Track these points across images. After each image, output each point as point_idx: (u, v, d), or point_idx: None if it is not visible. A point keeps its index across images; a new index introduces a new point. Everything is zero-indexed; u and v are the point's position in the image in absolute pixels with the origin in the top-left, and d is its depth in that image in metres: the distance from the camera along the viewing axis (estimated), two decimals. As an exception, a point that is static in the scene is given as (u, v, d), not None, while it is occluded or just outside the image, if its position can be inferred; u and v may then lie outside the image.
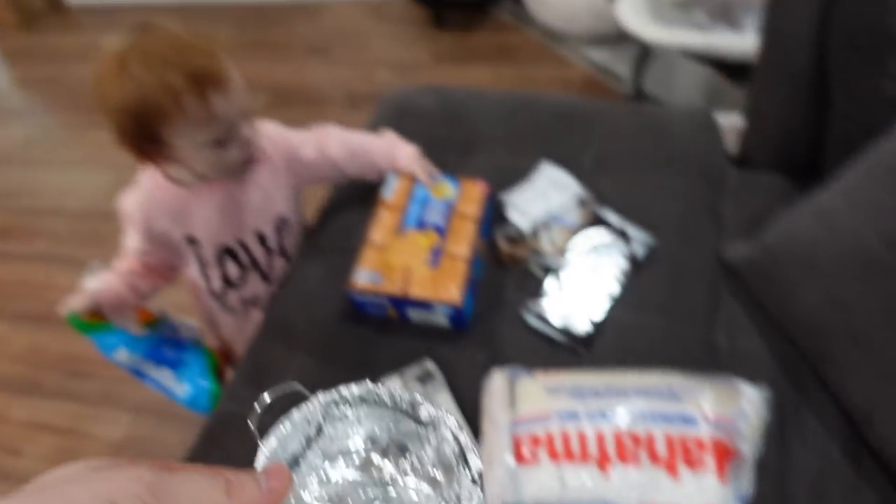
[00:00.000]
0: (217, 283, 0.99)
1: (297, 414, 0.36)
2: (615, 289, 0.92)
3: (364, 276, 0.89)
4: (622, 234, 0.97)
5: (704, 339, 0.89)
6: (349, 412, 0.37)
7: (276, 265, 1.03)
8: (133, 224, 0.95)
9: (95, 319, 0.95)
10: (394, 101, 1.25)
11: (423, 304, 0.87)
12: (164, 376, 1.03)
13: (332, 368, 0.89)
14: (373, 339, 0.91)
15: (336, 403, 0.37)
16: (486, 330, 0.91)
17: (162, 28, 0.83)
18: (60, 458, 1.49)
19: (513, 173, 1.05)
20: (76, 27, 2.85)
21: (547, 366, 0.80)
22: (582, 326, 0.89)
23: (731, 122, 1.28)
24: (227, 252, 0.97)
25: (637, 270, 0.95)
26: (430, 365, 0.86)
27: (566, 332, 0.88)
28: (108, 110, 0.80)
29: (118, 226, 1.91)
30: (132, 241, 0.95)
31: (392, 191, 0.98)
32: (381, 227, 0.94)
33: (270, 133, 0.98)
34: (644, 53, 2.13)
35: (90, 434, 1.53)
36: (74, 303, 0.94)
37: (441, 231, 0.92)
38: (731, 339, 0.89)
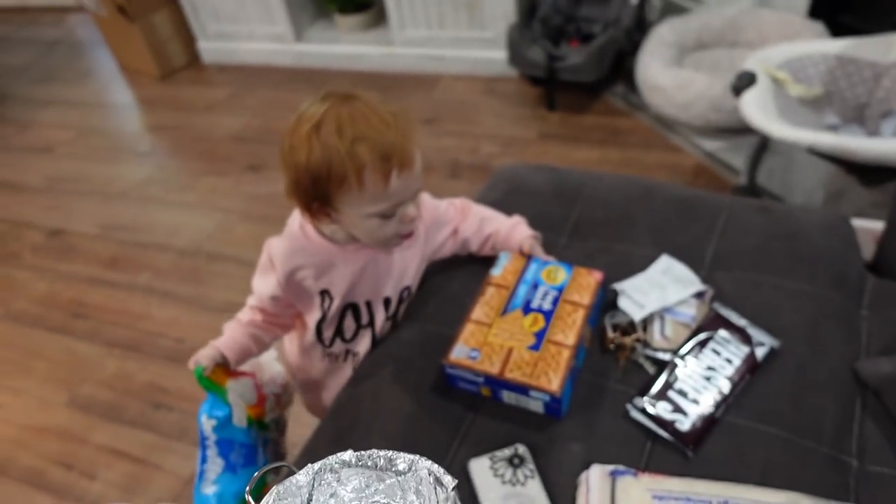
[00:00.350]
0: (329, 332, 0.98)
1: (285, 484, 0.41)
2: (730, 390, 0.83)
3: (462, 352, 0.85)
4: (742, 333, 0.88)
5: (832, 459, 0.78)
6: (333, 478, 0.41)
7: (384, 331, 1.02)
8: (274, 269, 0.93)
9: (218, 379, 0.94)
10: (506, 175, 1.24)
11: (520, 388, 0.82)
12: (213, 467, 0.97)
13: (416, 438, 0.83)
14: (462, 414, 0.86)
15: (323, 470, 0.41)
16: (584, 420, 0.83)
17: (361, 98, 0.84)
18: (131, 486, 1.51)
19: (626, 261, 1.00)
20: (208, 82, 3.08)
21: (649, 465, 0.72)
22: (691, 425, 0.80)
23: (865, 226, 1.17)
24: (352, 308, 0.97)
25: (756, 374, 0.85)
26: (522, 449, 0.79)
27: (673, 430, 0.80)
28: (289, 165, 0.83)
29: (218, 267, 1.97)
30: (267, 285, 0.94)
31: (502, 269, 0.96)
32: (486, 305, 0.91)
33: (424, 203, 0.97)
34: (761, 146, 2.04)
35: (162, 466, 1.53)
36: (202, 356, 0.94)
37: (548, 316, 0.89)
38: (863, 463, 0.78)
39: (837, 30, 2.14)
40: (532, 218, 1.02)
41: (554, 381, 0.81)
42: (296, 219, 0.94)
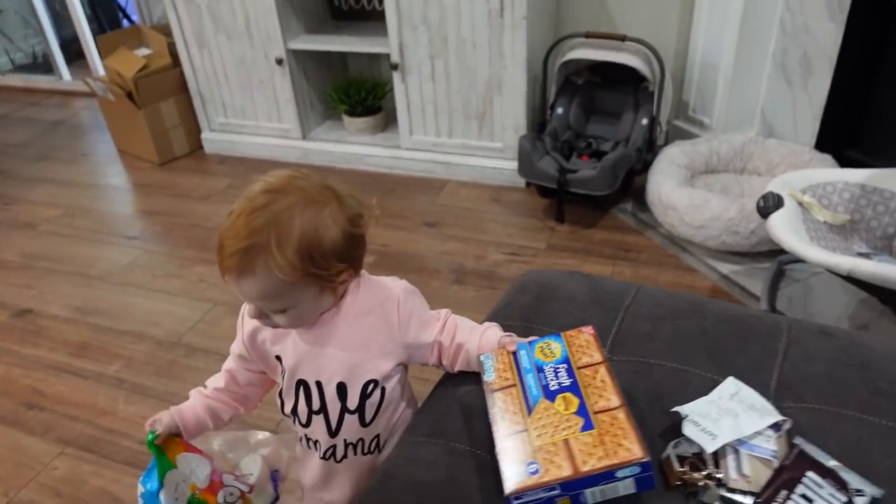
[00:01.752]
0: (289, 406, 0.93)
1: None
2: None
3: (518, 474, 0.70)
4: (834, 478, 0.74)
5: None
6: None
7: (350, 427, 0.91)
8: (242, 327, 0.93)
9: (169, 450, 0.88)
10: (535, 279, 1.13)
11: (605, 476, 0.69)
12: None
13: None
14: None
15: None
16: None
17: (271, 197, 0.78)
18: None
19: (682, 381, 0.88)
20: (208, 172, 3.03)
21: None
22: None
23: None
24: (303, 386, 0.90)
25: (856, 531, 0.71)
26: None
27: None
28: None
29: (198, 362, 1.80)
30: (236, 344, 0.94)
31: (494, 371, 0.84)
32: (505, 413, 0.78)
33: (396, 297, 0.89)
34: (778, 273, 1.99)
35: None
36: (160, 421, 0.90)
37: (575, 390, 0.78)
38: None
39: (843, 163, 2.17)
40: (568, 328, 0.91)
41: (634, 448, 0.70)
42: None
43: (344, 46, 2.74)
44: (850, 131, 2.30)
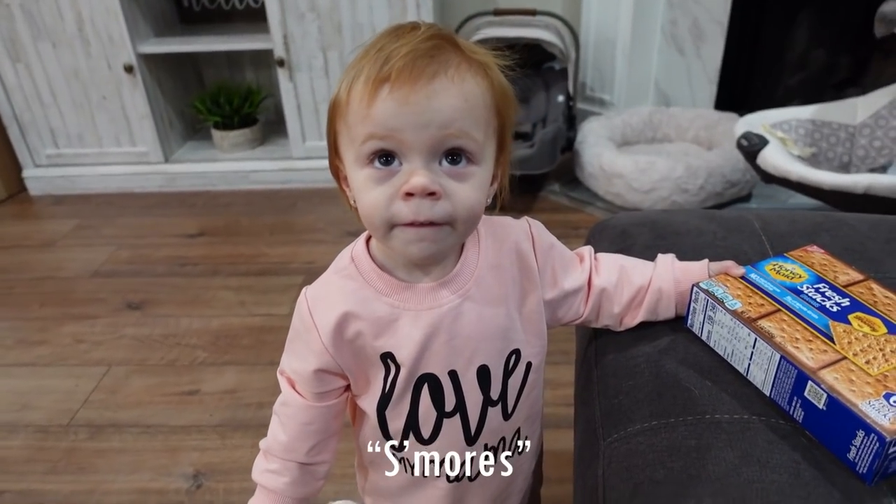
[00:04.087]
0: (398, 423, 0.63)
1: None
2: None
3: (879, 409, 0.49)
4: None
5: None
6: None
7: (492, 425, 0.65)
8: (313, 326, 0.61)
9: None
10: (625, 225, 0.93)
11: None
12: None
13: None
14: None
15: None
16: None
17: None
18: None
19: None
20: (39, 216, 2.42)
21: None
22: None
23: None
24: (429, 383, 0.61)
25: None
26: None
27: None
28: None
29: (111, 444, 1.40)
30: (304, 358, 0.63)
31: (734, 299, 0.62)
32: (799, 343, 0.56)
33: (529, 237, 0.66)
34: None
35: None
36: None
37: (865, 310, 0.60)
38: None
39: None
40: (724, 258, 0.72)
41: None
42: (348, 249, 0.63)
43: (218, 45, 2.33)
44: (744, 92, 2.44)
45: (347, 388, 0.66)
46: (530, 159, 2.04)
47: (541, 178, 2.24)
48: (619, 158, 2.01)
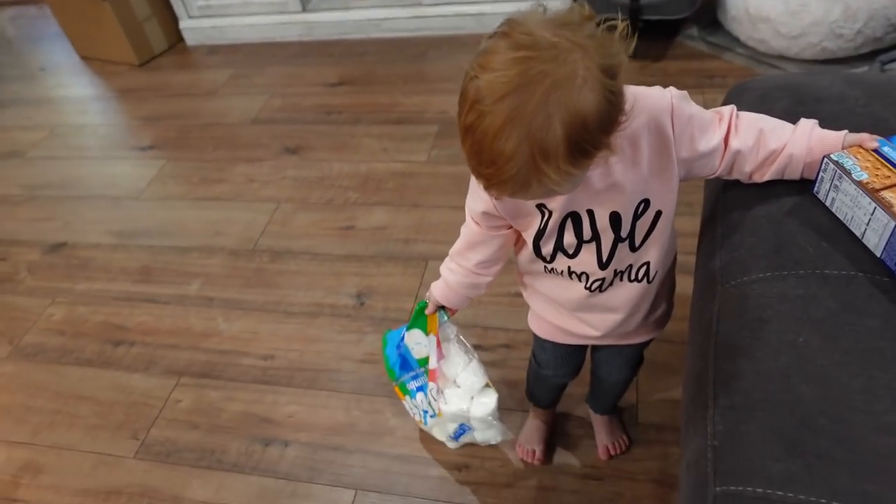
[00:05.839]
0: (549, 247, 0.80)
1: None
2: None
3: None
4: None
5: None
6: None
7: (620, 255, 0.78)
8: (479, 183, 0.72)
9: (429, 321, 0.99)
10: (763, 88, 0.95)
11: None
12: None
13: None
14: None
15: None
16: None
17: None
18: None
19: None
20: (199, 66, 2.67)
21: None
22: None
23: None
24: (572, 218, 0.75)
25: None
26: None
27: None
28: None
29: (287, 266, 1.64)
30: (477, 202, 0.79)
31: (862, 170, 0.68)
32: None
33: (661, 103, 0.71)
34: (882, 72, 1.86)
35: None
36: (431, 296, 0.97)
37: None
38: None
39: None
40: (873, 129, 0.75)
41: None
42: None
43: None
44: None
45: (510, 226, 0.81)
46: (668, 3, 1.95)
47: (677, 22, 2.14)
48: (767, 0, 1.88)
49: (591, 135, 0.57)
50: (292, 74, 2.46)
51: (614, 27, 0.58)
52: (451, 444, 1.11)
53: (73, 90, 2.68)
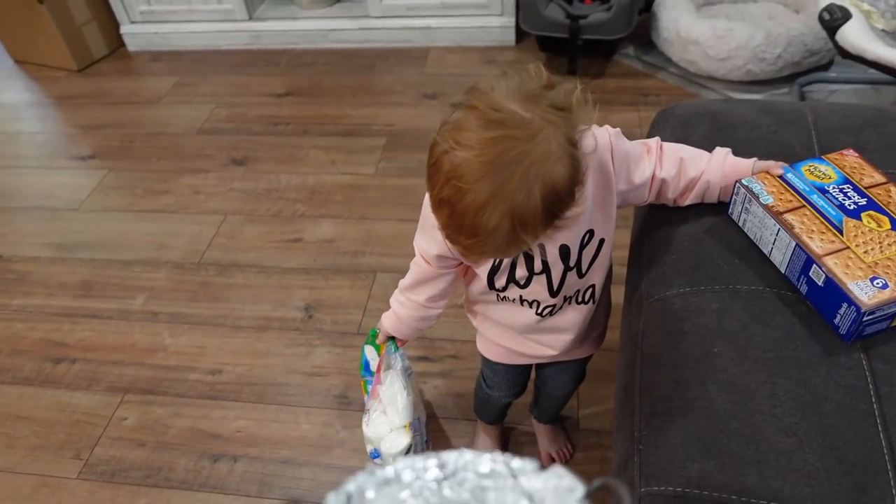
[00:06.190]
0: (502, 281, 0.84)
1: None
2: None
3: (864, 289, 0.64)
4: None
5: None
6: None
7: (569, 283, 0.84)
8: (434, 227, 0.75)
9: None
10: (687, 114, 1.03)
11: None
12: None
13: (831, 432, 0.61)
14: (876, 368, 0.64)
15: None
16: None
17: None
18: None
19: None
20: (140, 73, 2.61)
21: None
22: None
23: None
24: (524, 254, 0.80)
25: None
26: None
27: None
28: None
29: (234, 280, 1.66)
30: (430, 244, 0.81)
31: (768, 194, 0.76)
32: (812, 234, 0.71)
33: (601, 142, 0.76)
34: (801, 94, 2.00)
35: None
36: (382, 328, 1.00)
37: (878, 209, 0.73)
38: None
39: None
40: (773, 156, 0.83)
41: None
42: None
43: None
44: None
45: (461, 264, 0.85)
46: (606, 24, 2.04)
47: (615, 41, 2.24)
48: (697, 24, 1.99)
49: (563, 200, 0.62)
50: (238, 84, 2.45)
51: (571, 91, 0.62)
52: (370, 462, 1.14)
53: (7, 95, 2.59)
